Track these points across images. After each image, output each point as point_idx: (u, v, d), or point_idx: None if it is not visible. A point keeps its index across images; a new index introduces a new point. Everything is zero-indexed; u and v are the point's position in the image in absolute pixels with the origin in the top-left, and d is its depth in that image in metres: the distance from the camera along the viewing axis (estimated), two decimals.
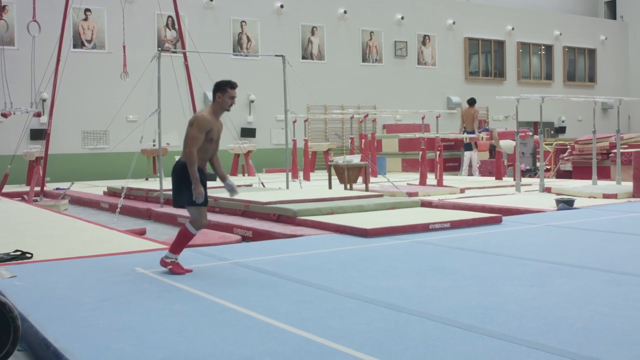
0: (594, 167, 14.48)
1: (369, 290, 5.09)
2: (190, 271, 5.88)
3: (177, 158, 6.05)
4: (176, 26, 20.44)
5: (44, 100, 19.43)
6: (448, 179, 16.14)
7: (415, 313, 4.41)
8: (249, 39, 24.03)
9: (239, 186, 6.42)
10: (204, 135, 5.79)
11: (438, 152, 15.37)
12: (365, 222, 8.38)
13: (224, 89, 5.86)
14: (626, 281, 5.33)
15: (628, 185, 12.62)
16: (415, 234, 7.95)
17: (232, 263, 6.38)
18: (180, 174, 5.80)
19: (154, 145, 17.73)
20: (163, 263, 5.87)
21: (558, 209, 10.30)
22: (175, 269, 5.82)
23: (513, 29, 30.92)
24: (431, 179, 15.28)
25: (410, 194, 12.20)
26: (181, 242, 5.88)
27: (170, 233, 9.74)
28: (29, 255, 6.75)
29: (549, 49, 32.62)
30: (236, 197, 6.75)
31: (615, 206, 10.72)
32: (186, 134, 5.83)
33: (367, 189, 13.29)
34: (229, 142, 20.19)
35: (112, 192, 14.77)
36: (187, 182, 5.76)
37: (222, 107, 5.90)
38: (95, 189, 16.63)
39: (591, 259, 6.27)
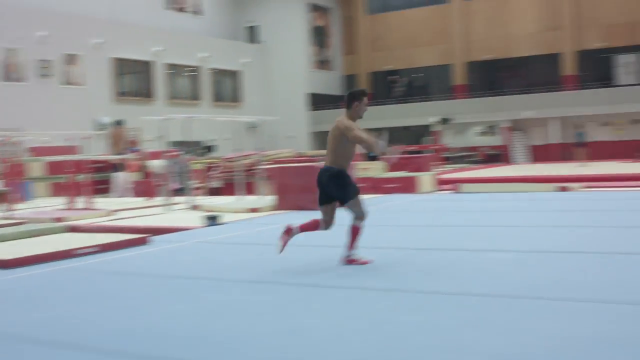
0: (240, 183, 15.22)
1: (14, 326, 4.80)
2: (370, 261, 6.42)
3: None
4: None
5: None
6: (99, 201, 15.79)
7: (69, 347, 4.25)
8: None
9: None
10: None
11: (88, 175, 14.99)
12: (5, 252, 7.87)
13: (360, 98, 6.23)
14: (267, 289, 5.67)
15: (272, 199, 13.41)
16: (62, 261, 7.63)
17: None
18: (339, 176, 6.25)
19: None
20: (349, 261, 6.37)
21: (206, 226, 10.62)
22: (362, 261, 6.36)
23: (161, 50, 31.33)
24: (82, 202, 14.83)
25: (57, 219, 11.72)
26: (355, 239, 6.36)
27: None
28: None
29: (196, 70, 33.62)
30: None
31: (259, 219, 11.35)
32: (352, 137, 6.11)
33: (9, 217, 12.49)
34: None
35: None
36: (347, 182, 6.26)
37: (359, 114, 6.26)
38: None
39: (236, 272, 6.56)
